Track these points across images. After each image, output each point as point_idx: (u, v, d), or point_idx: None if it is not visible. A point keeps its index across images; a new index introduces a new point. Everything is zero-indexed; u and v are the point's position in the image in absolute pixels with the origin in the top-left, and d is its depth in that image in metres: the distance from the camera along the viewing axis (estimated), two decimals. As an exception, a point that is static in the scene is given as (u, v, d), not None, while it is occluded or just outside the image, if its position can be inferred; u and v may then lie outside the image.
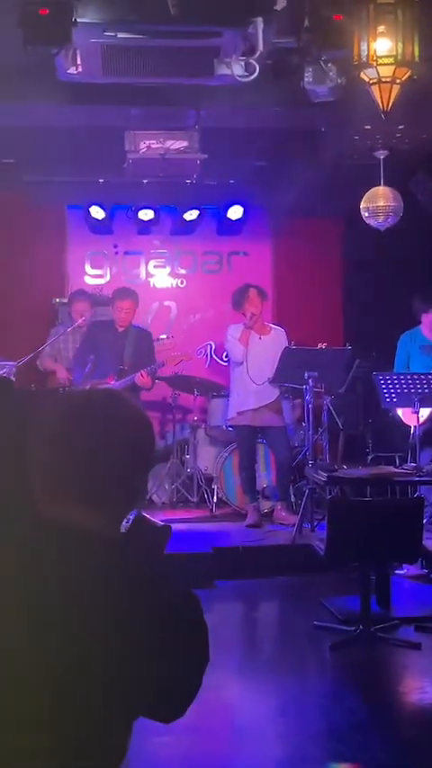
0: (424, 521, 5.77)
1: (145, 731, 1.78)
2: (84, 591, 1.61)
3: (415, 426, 7.16)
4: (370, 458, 8.66)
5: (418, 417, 7.01)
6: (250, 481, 8.16)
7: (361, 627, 5.57)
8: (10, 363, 7.82)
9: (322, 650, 5.50)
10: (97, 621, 1.60)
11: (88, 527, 1.67)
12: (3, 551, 1.66)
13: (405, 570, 6.83)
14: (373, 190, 7.75)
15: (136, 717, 1.69)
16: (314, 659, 5.61)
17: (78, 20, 4.95)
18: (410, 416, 7.51)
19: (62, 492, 1.70)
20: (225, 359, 10.08)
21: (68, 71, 5.62)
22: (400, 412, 7.67)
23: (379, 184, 7.78)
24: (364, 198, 7.74)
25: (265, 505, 8.34)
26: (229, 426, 8.45)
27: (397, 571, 6.74)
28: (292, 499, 8.27)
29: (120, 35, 5.29)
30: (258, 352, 8.11)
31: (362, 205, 7.74)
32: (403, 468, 6.56)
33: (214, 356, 10.19)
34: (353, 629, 5.60)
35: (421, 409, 7.02)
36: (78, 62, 5.58)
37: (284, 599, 6.83)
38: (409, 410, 7.30)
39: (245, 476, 8.14)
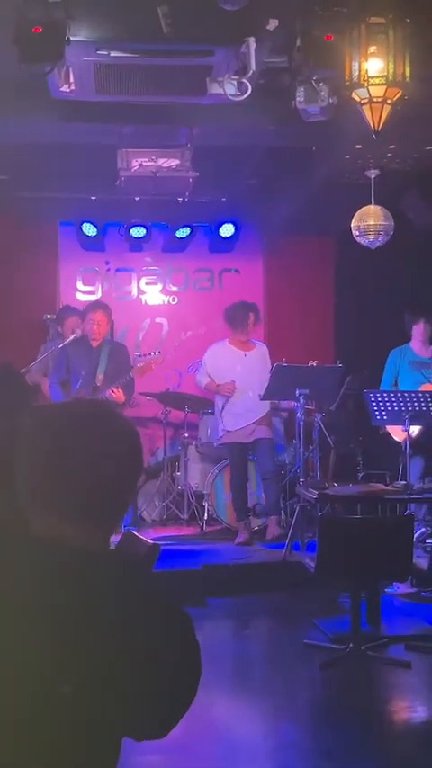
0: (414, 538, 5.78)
1: (134, 749, 1.77)
2: (73, 606, 1.60)
3: (404, 443, 7.19)
4: (361, 475, 8.66)
5: (408, 434, 7.02)
6: (241, 499, 8.15)
7: (351, 645, 5.56)
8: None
9: (313, 669, 5.47)
10: (86, 637, 1.59)
11: (78, 543, 1.67)
12: None
13: (395, 588, 6.82)
14: (364, 209, 7.79)
15: (124, 734, 1.69)
16: (304, 678, 5.59)
17: (72, 38, 4.97)
18: (400, 433, 7.53)
19: (51, 507, 1.69)
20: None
21: (61, 89, 5.65)
22: (389, 428, 7.69)
23: (370, 203, 7.81)
24: (354, 217, 7.77)
25: (256, 523, 8.32)
26: (221, 444, 8.45)
27: (387, 589, 6.73)
28: (283, 516, 8.25)
29: (113, 53, 5.32)
30: (246, 369, 8.17)
31: (353, 224, 7.77)
32: (394, 486, 6.56)
33: (206, 373, 10.19)
34: (343, 647, 5.58)
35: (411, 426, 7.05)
36: (71, 80, 5.60)
37: (275, 617, 6.81)
38: (398, 427, 7.33)
39: (236, 493, 8.14)
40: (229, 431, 8.16)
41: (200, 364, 8.57)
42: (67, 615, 1.59)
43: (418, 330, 8.10)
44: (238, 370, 8.19)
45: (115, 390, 7.82)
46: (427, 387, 7.71)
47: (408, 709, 5.14)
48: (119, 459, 1.74)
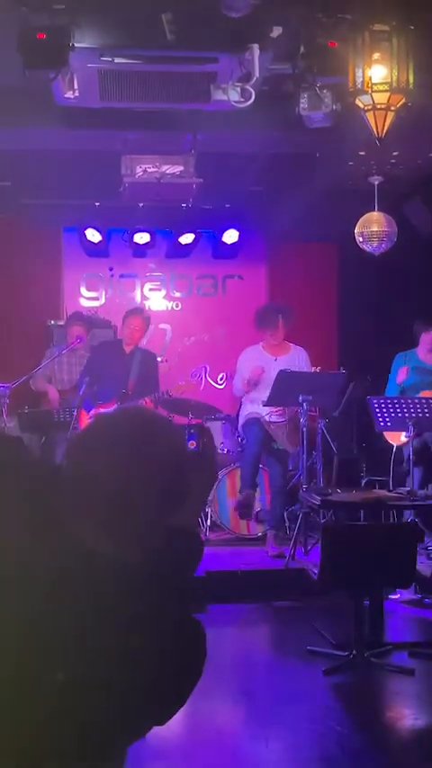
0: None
1: (139, 756, 1.78)
2: (91, 610, 1.62)
3: (404, 448, 7.22)
4: (364, 481, 8.65)
5: (410, 439, 7.06)
6: (251, 472, 7.88)
7: (354, 652, 5.54)
8: (4, 386, 7.82)
9: (315, 675, 5.46)
10: (97, 642, 1.61)
11: (105, 550, 1.67)
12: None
13: (399, 595, 6.81)
14: (368, 215, 7.79)
15: (131, 733, 1.70)
16: (307, 684, 5.57)
17: (76, 44, 4.99)
18: (394, 437, 7.58)
19: (90, 513, 1.69)
20: (220, 381, 10.10)
21: (66, 95, 5.66)
22: (385, 432, 7.71)
23: (373, 210, 7.82)
24: (358, 223, 7.78)
25: (259, 529, 8.31)
26: (232, 451, 8.31)
27: (390, 596, 6.72)
28: (286, 524, 8.23)
29: (117, 60, 5.34)
30: (273, 375, 7.89)
31: (356, 230, 7.78)
32: (397, 492, 6.55)
33: (209, 379, 10.20)
34: (346, 653, 5.57)
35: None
36: (75, 87, 5.62)
37: (278, 623, 6.79)
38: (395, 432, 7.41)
39: (246, 464, 7.88)
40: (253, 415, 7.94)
41: (239, 371, 8.18)
42: (82, 616, 1.61)
43: (426, 339, 8.11)
44: (265, 376, 8.03)
45: (148, 402, 7.74)
46: (426, 393, 7.72)
47: (411, 717, 5.12)
48: (172, 473, 1.74)
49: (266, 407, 7.84)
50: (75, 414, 7.67)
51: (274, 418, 7.97)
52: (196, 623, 1.74)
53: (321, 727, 4.84)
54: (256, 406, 7.98)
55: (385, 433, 7.73)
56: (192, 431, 8.01)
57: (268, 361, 8.05)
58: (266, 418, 7.94)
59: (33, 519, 1.73)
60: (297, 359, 8.08)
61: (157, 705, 1.71)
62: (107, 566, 1.66)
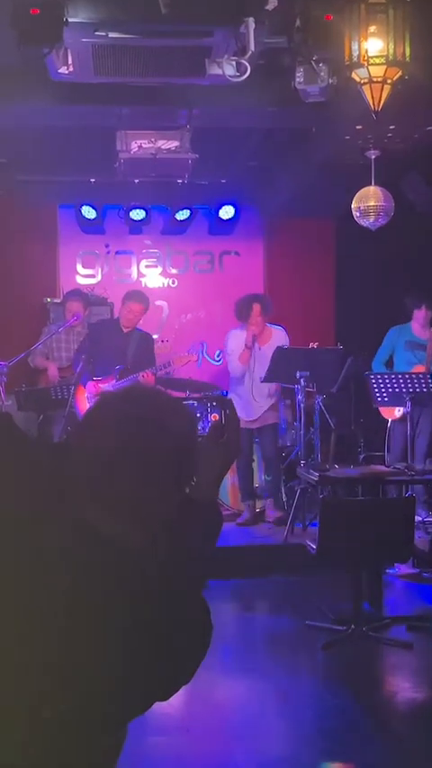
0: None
1: (139, 731, 1.79)
2: (97, 592, 1.64)
3: (398, 423, 7.32)
4: (362, 457, 8.68)
5: (407, 414, 7.10)
6: (246, 481, 8.18)
7: (353, 626, 5.58)
8: (1, 363, 7.80)
9: (314, 650, 5.50)
10: (100, 624, 1.63)
11: (116, 533, 1.67)
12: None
13: (397, 569, 6.84)
14: (364, 190, 7.75)
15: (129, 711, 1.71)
16: (306, 659, 5.62)
17: (69, 19, 4.93)
18: (388, 411, 7.62)
19: (104, 497, 1.69)
20: (217, 358, 10.10)
21: (60, 71, 5.61)
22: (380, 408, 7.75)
23: (370, 184, 7.78)
24: (355, 198, 7.74)
25: (258, 504, 8.34)
26: None
27: (389, 570, 6.76)
28: (284, 498, 8.27)
29: (111, 35, 5.27)
30: (260, 364, 7.98)
31: (353, 205, 7.74)
32: (394, 467, 6.57)
33: (206, 356, 10.19)
34: (345, 628, 5.61)
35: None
36: (70, 62, 5.56)
37: (276, 598, 6.83)
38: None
39: (241, 476, 8.15)
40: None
41: (226, 354, 8.35)
42: (87, 598, 1.63)
43: (419, 315, 8.12)
44: (251, 364, 8.09)
45: (148, 374, 7.77)
46: (418, 368, 7.75)
47: (410, 690, 5.16)
48: (182, 458, 1.74)
49: (249, 407, 7.97)
50: (72, 391, 7.66)
51: (260, 410, 8.05)
52: (202, 600, 1.75)
53: (320, 701, 4.89)
54: (240, 409, 7.94)
55: (380, 408, 7.75)
56: (214, 403, 8.11)
57: (253, 350, 8.07)
58: (249, 418, 8.00)
59: (34, 497, 1.73)
60: (278, 341, 8.07)
61: (162, 680, 1.72)
62: (114, 541, 1.67)
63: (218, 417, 7.14)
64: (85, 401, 7.75)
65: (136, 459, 1.67)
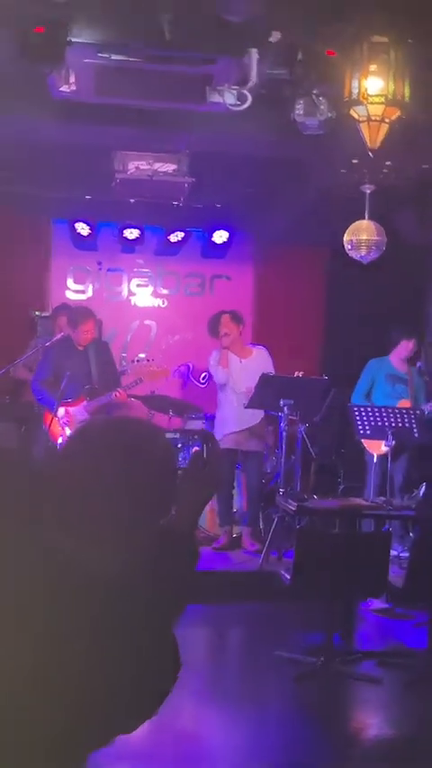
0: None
1: (101, 757, 1.78)
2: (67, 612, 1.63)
3: (378, 456, 7.31)
4: (341, 488, 8.68)
5: (391, 449, 7.10)
6: (226, 505, 8.13)
7: (323, 659, 5.56)
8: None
9: (284, 681, 5.47)
10: (63, 652, 1.62)
11: (91, 561, 1.67)
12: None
13: (370, 603, 6.83)
14: (357, 223, 7.79)
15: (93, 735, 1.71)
16: (275, 690, 5.59)
17: (73, 39, 4.97)
18: (375, 446, 7.61)
19: (72, 522, 1.69)
20: (202, 380, 10.10)
21: (61, 89, 5.65)
22: (365, 443, 7.73)
23: (363, 218, 7.82)
24: (347, 231, 7.78)
25: (235, 530, 8.32)
26: None
27: (362, 604, 6.74)
28: (261, 525, 8.25)
29: (114, 57, 5.32)
30: (240, 376, 8.08)
31: (345, 237, 7.77)
32: (373, 501, 6.58)
33: (191, 377, 10.19)
34: (315, 660, 5.59)
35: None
36: (71, 80, 5.60)
37: (249, 626, 6.80)
38: (375, 441, 7.44)
39: (221, 499, 8.10)
40: (223, 434, 8.02)
41: (210, 368, 8.42)
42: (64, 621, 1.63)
43: (406, 346, 8.13)
44: (234, 377, 8.14)
45: (121, 392, 7.67)
46: (404, 403, 7.76)
47: (375, 726, 5.15)
48: (156, 483, 1.74)
49: (230, 423, 8.03)
50: (55, 407, 7.59)
51: (244, 425, 8.06)
52: (172, 634, 1.74)
53: (288, 732, 4.86)
54: (222, 422, 8.09)
55: (366, 444, 7.75)
56: (196, 437, 8.04)
57: (234, 361, 8.18)
58: (237, 430, 8.00)
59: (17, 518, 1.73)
60: (259, 358, 8.19)
61: (127, 715, 1.71)
62: (86, 571, 1.66)
63: (199, 449, 7.08)
64: (56, 425, 7.61)
65: (114, 488, 1.67)
